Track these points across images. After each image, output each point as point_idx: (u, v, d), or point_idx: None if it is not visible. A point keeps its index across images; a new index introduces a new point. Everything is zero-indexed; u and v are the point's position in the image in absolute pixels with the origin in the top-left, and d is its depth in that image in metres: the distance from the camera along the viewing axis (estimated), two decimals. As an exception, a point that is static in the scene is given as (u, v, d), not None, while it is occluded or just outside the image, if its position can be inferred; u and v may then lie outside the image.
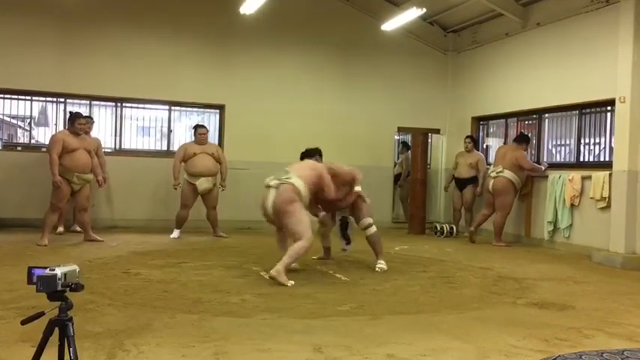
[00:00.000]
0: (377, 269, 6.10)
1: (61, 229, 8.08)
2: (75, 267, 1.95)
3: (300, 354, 3.29)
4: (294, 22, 10.11)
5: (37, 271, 1.87)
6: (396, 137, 11.46)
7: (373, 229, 6.27)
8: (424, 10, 9.24)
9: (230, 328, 3.77)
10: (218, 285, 5.14)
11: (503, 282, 5.79)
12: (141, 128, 10.32)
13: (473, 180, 9.58)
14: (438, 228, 9.87)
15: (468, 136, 9.96)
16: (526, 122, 9.92)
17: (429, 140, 10.85)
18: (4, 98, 9.14)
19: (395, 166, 11.39)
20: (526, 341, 3.66)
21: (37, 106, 9.43)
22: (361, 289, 5.22)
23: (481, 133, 10.86)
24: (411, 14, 9.29)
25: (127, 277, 5.34)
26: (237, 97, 9.95)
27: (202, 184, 8.36)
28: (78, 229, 8.06)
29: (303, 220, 5.47)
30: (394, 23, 9.73)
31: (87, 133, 7.90)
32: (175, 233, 8.37)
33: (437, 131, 11.20)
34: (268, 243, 8.15)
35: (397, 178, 11.37)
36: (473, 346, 3.54)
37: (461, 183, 9.73)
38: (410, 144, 10.97)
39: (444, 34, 11.28)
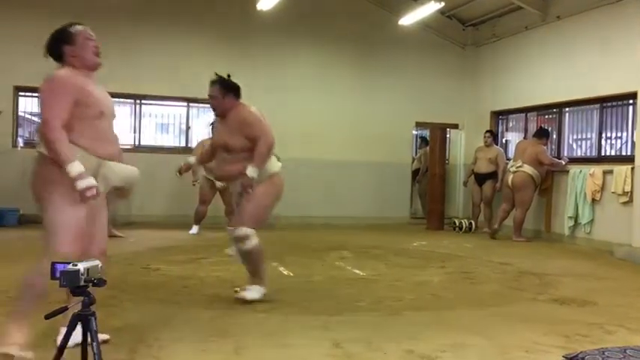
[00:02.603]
0: (237, 296, 4.34)
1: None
2: (97, 262, 1.98)
3: (319, 349, 3.29)
4: (310, 18, 10.10)
5: (60, 267, 1.90)
6: (414, 132, 11.40)
7: (251, 243, 4.30)
8: (442, 3, 9.16)
9: (249, 324, 3.79)
10: (236, 281, 5.13)
11: (523, 278, 5.74)
12: (159, 125, 10.40)
13: (492, 175, 9.51)
14: (457, 223, 9.81)
15: (487, 131, 9.88)
16: (546, 116, 9.81)
17: (448, 135, 10.77)
18: (25, 96, 9.26)
19: (413, 161, 11.34)
20: (547, 337, 3.62)
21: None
22: (379, 285, 5.21)
23: (500, 128, 10.77)
24: (429, 8, 9.23)
25: (147, 273, 5.39)
26: (254, 93, 9.82)
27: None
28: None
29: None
30: (412, 18, 9.67)
31: None
32: (194, 229, 8.42)
33: (455, 126, 11.13)
34: (285, 238, 8.20)
35: (416, 173, 11.32)
36: (493, 342, 3.51)
37: (480, 178, 9.66)
38: (428, 139, 10.92)
39: (462, 28, 11.19)
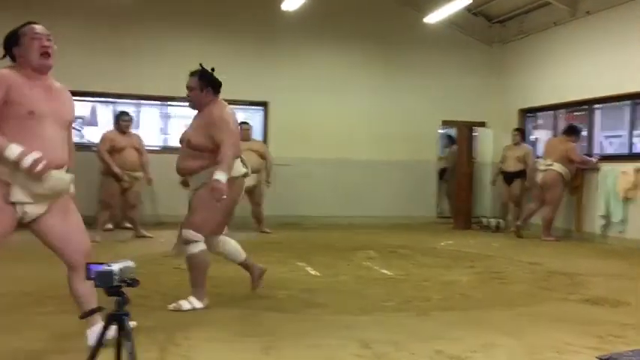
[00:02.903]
0: (170, 307, 4.06)
1: (110, 225, 8.29)
2: (130, 263, 2.01)
3: (348, 349, 3.29)
4: (335, 18, 10.09)
5: (95, 267, 1.93)
6: (440, 131, 11.33)
7: (197, 247, 4.14)
8: (470, 0, 9.08)
9: (278, 323, 3.81)
10: (265, 280, 5.16)
11: (553, 277, 5.66)
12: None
13: (521, 173, 9.39)
14: (485, 223, 9.72)
15: (515, 129, 9.76)
16: (575, 113, 9.65)
17: (475, 134, 10.67)
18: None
19: (440, 160, 11.27)
20: (579, 338, 3.57)
21: (87, 107, 9.71)
22: (407, 285, 5.19)
23: (528, 126, 10.63)
24: (455, 5, 9.16)
25: (176, 273, 5.43)
26: (280, 93, 10.01)
27: (247, 180, 8.42)
28: (128, 225, 8.26)
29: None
30: (437, 15, 9.60)
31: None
32: (222, 229, 8.48)
33: (482, 124, 11.02)
34: (311, 238, 8.22)
35: (442, 172, 11.25)
36: (523, 343, 3.48)
37: (509, 177, 9.54)
38: (455, 138, 10.84)
39: (488, 25, 11.07)
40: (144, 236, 7.78)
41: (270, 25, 9.80)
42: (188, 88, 4.29)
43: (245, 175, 4.36)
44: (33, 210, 2.90)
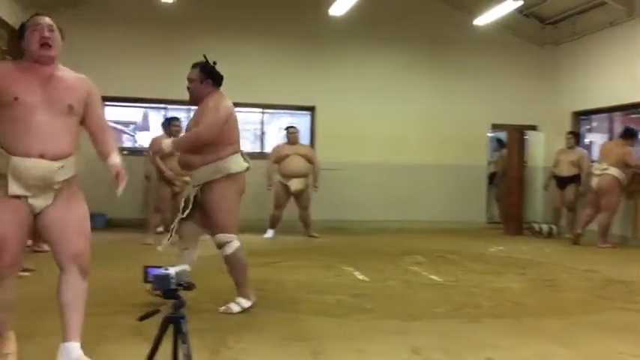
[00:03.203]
0: (221, 309, 4.14)
1: (161, 228, 8.48)
2: (186, 267, 2.06)
3: (397, 355, 3.27)
4: (383, 21, 10.06)
5: (153, 271, 1.99)
6: (490, 134, 11.14)
7: (233, 247, 4.23)
8: (521, 1, 8.90)
9: (326, 328, 3.82)
10: (313, 285, 5.21)
11: (610, 285, 5.47)
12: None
13: (575, 178, 9.13)
14: (537, 228, 9.49)
15: (569, 132, 9.50)
16: (632, 116, 9.33)
17: (526, 137, 10.45)
18: (110, 105, 9.73)
19: (489, 164, 11.08)
20: (636, 348, 3.44)
21: (140, 112, 9.98)
22: (456, 291, 5.12)
23: (582, 129, 10.33)
24: (506, 7, 9.00)
25: (225, 276, 5.48)
26: (327, 98, 10.05)
27: (295, 184, 8.50)
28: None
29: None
30: (487, 17, 9.46)
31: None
32: (269, 233, 8.56)
33: (534, 127, 10.78)
34: (358, 243, 8.20)
35: (492, 176, 11.05)
36: (578, 353, 3.38)
37: (562, 181, 9.29)
38: (505, 141, 10.63)
39: (540, 27, 10.83)
40: (194, 239, 7.91)
41: (318, 30, 9.85)
42: (188, 79, 4.30)
43: (247, 170, 4.34)
44: (36, 202, 2.79)
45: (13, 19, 7.75)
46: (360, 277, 5.66)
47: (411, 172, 10.23)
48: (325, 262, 6.46)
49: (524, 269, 6.30)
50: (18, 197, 2.75)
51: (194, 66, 4.32)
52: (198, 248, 4.41)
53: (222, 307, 4.14)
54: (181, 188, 7.78)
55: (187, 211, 4.17)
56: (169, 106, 9.78)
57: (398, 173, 10.18)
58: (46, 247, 6.62)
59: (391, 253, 7.22)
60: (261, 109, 10.29)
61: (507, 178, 9.95)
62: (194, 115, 4.33)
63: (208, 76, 4.27)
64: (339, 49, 10.05)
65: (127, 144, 10.49)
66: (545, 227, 9.38)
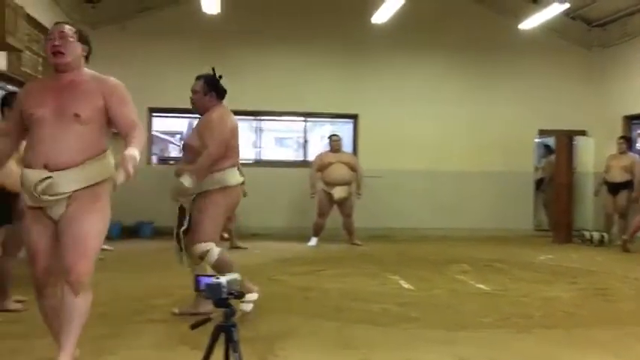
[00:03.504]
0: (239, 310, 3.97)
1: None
2: (237, 276, 2.08)
3: (445, 366, 3.23)
4: (425, 28, 10.00)
5: (204, 279, 2.02)
6: (537, 140, 10.91)
7: (215, 253, 4.06)
8: (567, 4, 8.71)
9: (372, 337, 3.79)
10: (358, 293, 5.18)
11: (666, 296, 5.28)
12: (278, 140, 10.75)
13: (627, 184, 8.84)
14: (587, 236, 9.22)
15: (621, 137, 9.22)
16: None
17: (574, 142, 10.19)
18: (157, 116, 9.97)
19: (536, 170, 10.84)
20: (699, 362, 3.31)
21: (185, 123, 10.18)
22: (505, 300, 5.01)
23: (634, 133, 10.01)
24: (552, 10, 8.81)
25: (271, 284, 5.56)
26: (370, 105, 10.04)
27: (338, 192, 8.50)
28: (224, 236, 8.53)
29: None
30: (533, 21, 9.29)
31: None
32: (313, 241, 8.58)
33: (583, 132, 10.50)
34: (402, 251, 8.13)
35: (539, 183, 10.81)
36: (635, 366, 3.27)
37: (613, 187, 9.01)
38: (552, 147, 10.40)
39: (587, 29, 10.58)
40: (239, 247, 8.01)
41: (360, 38, 9.86)
42: (192, 91, 4.29)
43: (242, 184, 4.31)
44: (52, 212, 2.80)
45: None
46: (406, 285, 5.61)
47: (455, 179, 10.11)
48: (369, 270, 6.43)
49: (575, 278, 6.13)
50: (36, 209, 2.82)
51: (198, 78, 4.33)
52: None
53: (242, 308, 3.99)
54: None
55: (186, 224, 4.13)
56: (214, 116, 9.93)
57: (442, 180, 10.07)
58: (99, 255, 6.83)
59: (436, 261, 7.13)
60: (304, 118, 10.36)
61: (555, 185, 9.72)
62: (196, 128, 4.25)
63: (212, 88, 4.26)
64: (382, 57, 10.03)
65: (173, 154, 10.69)
66: (596, 235, 9.11)
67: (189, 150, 4.18)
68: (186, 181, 3.93)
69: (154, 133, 10.06)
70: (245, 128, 10.39)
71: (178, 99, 9.57)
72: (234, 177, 4.17)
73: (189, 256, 4.17)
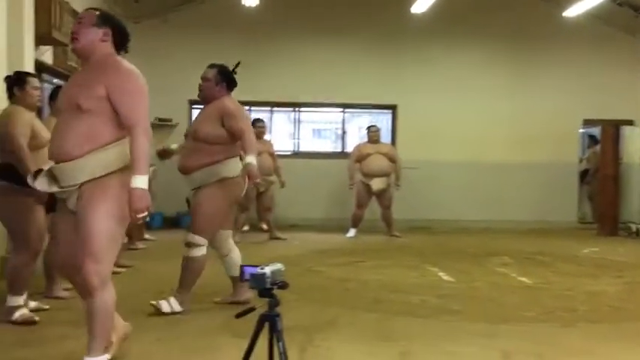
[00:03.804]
0: (154, 302, 3.98)
1: (247, 227, 8.69)
2: (280, 266, 2.10)
3: (488, 359, 3.19)
4: (465, 17, 9.82)
5: (249, 270, 2.04)
6: (581, 130, 10.63)
7: (199, 252, 4.05)
8: (613, -10, 8.44)
9: (413, 329, 3.78)
10: (397, 285, 5.17)
11: None
12: (316, 131, 10.76)
13: (676, 175, 8.55)
14: (633, 229, 8.97)
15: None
16: None
17: (621, 132, 9.88)
18: (197, 108, 10.07)
19: (581, 161, 10.58)
20: None
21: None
22: (548, 294, 4.92)
23: (684, 123, 9.67)
24: (598, -3, 8.56)
25: (310, 275, 5.59)
26: (409, 96, 9.94)
27: (376, 184, 8.47)
28: (263, 227, 8.61)
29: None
30: (578, 8, 9.04)
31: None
32: (351, 232, 8.58)
33: (630, 122, 10.16)
34: (442, 243, 8.06)
35: (584, 174, 10.54)
36: (686, 362, 3.17)
37: (661, 179, 8.73)
38: (597, 137, 10.12)
39: (634, 15, 10.21)
40: (278, 238, 8.07)
41: (399, 28, 9.75)
42: (203, 78, 4.24)
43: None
44: (69, 204, 2.73)
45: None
46: (445, 277, 5.56)
47: (497, 170, 9.94)
48: (409, 261, 6.40)
49: (621, 272, 5.97)
50: (63, 199, 2.77)
51: (211, 66, 4.29)
52: (236, 248, 4.34)
53: (154, 301, 3.97)
54: (266, 187, 7.95)
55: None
56: (253, 108, 10.00)
57: (482, 171, 9.92)
58: (140, 245, 6.97)
59: (477, 253, 7.05)
60: (342, 109, 10.33)
61: (601, 176, 9.47)
62: (205, 115, 4.21)
63: (224, 79, 4.23)
64: (421, 47, 9.91)
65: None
66: (643, 228, 8.86)
67: (200, 138, 4.07)
68: (252, 159, 3.98)
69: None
70: (283, 120, 10.46)
71: (218, 91, 9.77)
72: (234, 168, 4.12)
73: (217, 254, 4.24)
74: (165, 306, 3.95)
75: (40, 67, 5.93)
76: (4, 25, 4.99)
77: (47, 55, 6.28)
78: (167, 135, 9.31)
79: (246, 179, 4.04)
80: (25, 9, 5.16)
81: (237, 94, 10.58)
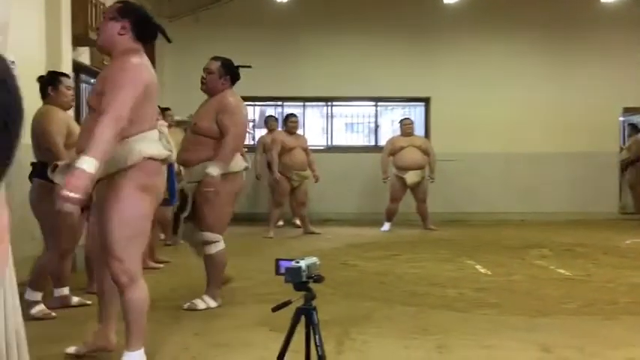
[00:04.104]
0: (185, 306, 3.97)
1: (281, 222, 8.74)
2: (316, 260, 2.10)
3: (527, 353, 3.14)
4: (500, 5, 9.65)
5: (284, 263, 2.05)
6: (621, 119, 10.35)
7: (216, 247, 4.04)
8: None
9: (449, 322, 3.74)
10: (433, 278, 5.13)
11: None
12: (349, 125, 10.73)
13: None
14: (677, 219, 8.71)
15: None
16: None
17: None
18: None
19: (621, 150, 10.31)
20: None
21: (257, 111, 10.34)
22: (588, 286, 4.82)
23: None
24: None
25: (345, 268, 5.59)
26: (442, 88, 9.83)
27: (411, 177, 8.40)
28: (297, 222, 8.64)
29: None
30: (616, -7, 8.79)
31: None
32: (386, 226, 8.54)
33: (672, 109, 9.89)
34: (479, 235, 7.96)
35: (625, 164, 10.26)
36: None
37: None
38: (638, 126, 9.84)
39: (677, -1, 9.89)
40: (312, 232, 8.09)
41: (432, 19, 9.64)
42: (207, 70, 4.13)
43: (245, 169, 4.20)
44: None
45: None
46: (483, 270, 5.50)
47: (533, 161, 9.77)
48: (445, 255, 6.34)
49: (665, 263, 5.81)
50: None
51: (215, 58, 4.20)
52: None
53: (187, 304, 3.97)
54: (299, 182, 7.98)
55: (188, 210, 4.04)
56: (286, 103, 10.04)
57: (518, 162, 9.76)
58: (181, 240, 7.07)
59: (514, 246, 6.94)
60: (374, 102, 10.28)
61: (641, 166, 9.21)
62: (206, 108, 4.11)
63: (228, 72, 4.13)
64: (454, 38, 9.78)
65: (246, 141, 10.87)
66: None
67: (199, 131, 4.02)
68: (214, 170, 3.82)
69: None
70: (316, 114, 10.46)
71: (251, 87, 9.79)
72: (236, 163, 4.06)
73: (192, 242, 4.16)
74: (200, 304, 3.97)
75: (78, 67, 6.05)
76: (42, 26, 5.11)
77: (84, 56, 6.40)
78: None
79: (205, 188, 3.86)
80: (62, 11, 5.27)
81: (269, 89, 10.74)
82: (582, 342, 3.29)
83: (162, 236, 6.64)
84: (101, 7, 5.84)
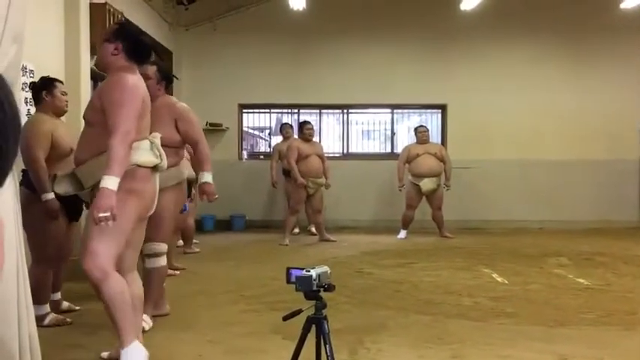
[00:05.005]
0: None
1: (297, 229, 8.73)
2: (327, 269, 2.08)
3: (544, 363, 3.09)
4: (515, 13, 9.59)
5: (295, 272, 2.04)
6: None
7: (159, 262, 3.82)
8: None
9: (465, 331, 3.70)
10: (449, 286, 5.08)
11: None
12: (365, 132, 10.71)
13: None
14: (700, 228, 8.54)
15: None
16: None
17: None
18: (247, 112, 10.21)
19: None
20: None
21: (274, 118, 10.37)
22: (608, 296, 4.74)
23: None
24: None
25: (361, 276, 5.56)
26: (459, 95, 9.77)
27: (426, 184, 8.36)
28: (313, 229, 8.63)
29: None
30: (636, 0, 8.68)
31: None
32: (402, 234, 8.49)
33: (694, 116, 9.72)
34: (496, 243, 7.88)
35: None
36: None
37: None
38: (659, 133, 9.69)
39: (699, 4, 9.74)
40: (328, 240, 8.06)
41: (448, 26, 9.60)
42: (145, 75, 3.60)
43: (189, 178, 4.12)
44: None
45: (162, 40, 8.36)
46: (499, 279, 5.43)
47: (551, 169, 9.66)
48: (461, 263, 6.28)
49: (688, 273, 5.70)
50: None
51: (152, 63, 3.89)
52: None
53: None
54: (315, 190, 7.97)
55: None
56: (302, 110, 10.05)
57: (537, 170, 9.65)
58: (197, 248, 7.09)
59: (531, 254, 6.86)
60: (391, 109, 10.25)
61: (663, 173, 9.06)
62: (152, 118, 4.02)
63: (164, 77, 4.00)
64: (471, 45, 9.73)
65: (263, 149, 10.91)
66: None
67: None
68: (209, 177, 3.85)
69: (244, 129, 10.30)
70: (332, 121, 10.45)
71: (267, 95, 9.87)
72: (182, 172, 3.96)
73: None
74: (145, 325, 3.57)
75: (96, 75, 6.11)
76: (61, 35, 5.18)
77: (102, 64, 6.46)
78: (219, 139, 9.49)
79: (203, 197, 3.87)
80: (80, 19, 5.34)
81: (286, 97, 10.79)
82: (601, 353, 3.23)
83: (181, 243, 6.68)
84: (119, 15, 5.90)
